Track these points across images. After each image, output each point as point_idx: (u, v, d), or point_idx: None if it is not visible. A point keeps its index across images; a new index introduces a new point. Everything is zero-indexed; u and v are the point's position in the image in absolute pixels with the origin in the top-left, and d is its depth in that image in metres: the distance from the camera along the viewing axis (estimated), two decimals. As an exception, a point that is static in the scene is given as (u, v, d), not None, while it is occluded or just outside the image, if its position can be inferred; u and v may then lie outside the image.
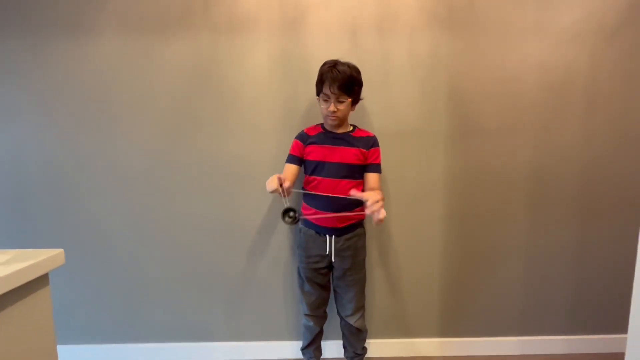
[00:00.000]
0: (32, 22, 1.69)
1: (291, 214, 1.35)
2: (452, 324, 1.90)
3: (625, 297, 1.83)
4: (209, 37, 1.70)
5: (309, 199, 1.56)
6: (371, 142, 1.55)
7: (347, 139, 1.53)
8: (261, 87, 1.73)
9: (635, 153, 1.76)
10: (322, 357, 1.79)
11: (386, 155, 1.74)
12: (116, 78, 1.73)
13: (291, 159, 1.57)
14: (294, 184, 1.53)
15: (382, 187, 1.61)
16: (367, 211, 1.29)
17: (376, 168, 1.55)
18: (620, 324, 1.86)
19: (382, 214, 1.27)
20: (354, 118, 1.67)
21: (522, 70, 1.72)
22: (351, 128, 1.57)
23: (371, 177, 1.54)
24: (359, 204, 1.56)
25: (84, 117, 1.75)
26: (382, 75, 1.72)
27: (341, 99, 1.45)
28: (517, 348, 1.90)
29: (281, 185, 1.36)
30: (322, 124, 1.60)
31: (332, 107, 1.45)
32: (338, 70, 1.43)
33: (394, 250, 1.84)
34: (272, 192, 1.37)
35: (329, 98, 1.45)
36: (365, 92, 1.68)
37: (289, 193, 1.39)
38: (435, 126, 1.75)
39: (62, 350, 1.87)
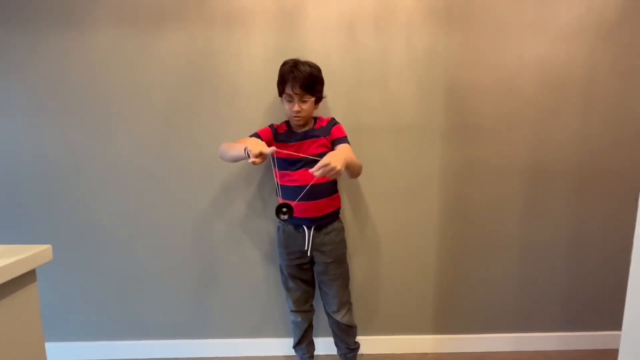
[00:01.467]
0: (23, 13, 1.67)
1: (285, 210, 1.35)
2: (446, 320, 1.90)
3: (618, 293, 1.84)
4: (204, 30, 1.68)
5: (285, 192, 1.53)
6: (330, 125, 1.55)
7: (311, 134, 1.53)
8: (257, 81, 1.71)
9: (631, 150, 1.76)
10: (315, 353, 1.78)
11: (382, 150, 1.76)
12: (110, 72, 1.71)
13: (255, 136, 1.52)
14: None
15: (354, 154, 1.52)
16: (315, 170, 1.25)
17: (342, 140, 1.52)
18: (613, 321, 1.86)
19: (323, 171, 1.23)
20: (352, 113, 1.70)
21: (519, 67, 1.71)
22: (313, 122, 1.57)
23: (340, 146, 1.50)
24: (335, 190, 1.59)
25: (77, 112, 1.73)
26: (379, 70, 1.71)
27: (304, 99, 1.46)
28: (511, 344, 1.91)
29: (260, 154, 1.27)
30: (287, 122, 1.60)
31: (296, 107, 1.46)
32: (299, 70, 1.42)
33: (388, 245, 1.84)
34: (257, 156, 1.26)
35: (292, 98, 1.46)
36: (362, 87, 1.71)
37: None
38: (432, 122, 1.75)
39: (56, 347, 1.87)
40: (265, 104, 1.73)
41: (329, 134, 1.53)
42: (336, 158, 1.26)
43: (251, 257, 1.85)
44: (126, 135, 1.75)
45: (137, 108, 1.73)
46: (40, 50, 1.69)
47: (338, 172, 1.24)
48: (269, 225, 1.81)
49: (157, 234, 1.82)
